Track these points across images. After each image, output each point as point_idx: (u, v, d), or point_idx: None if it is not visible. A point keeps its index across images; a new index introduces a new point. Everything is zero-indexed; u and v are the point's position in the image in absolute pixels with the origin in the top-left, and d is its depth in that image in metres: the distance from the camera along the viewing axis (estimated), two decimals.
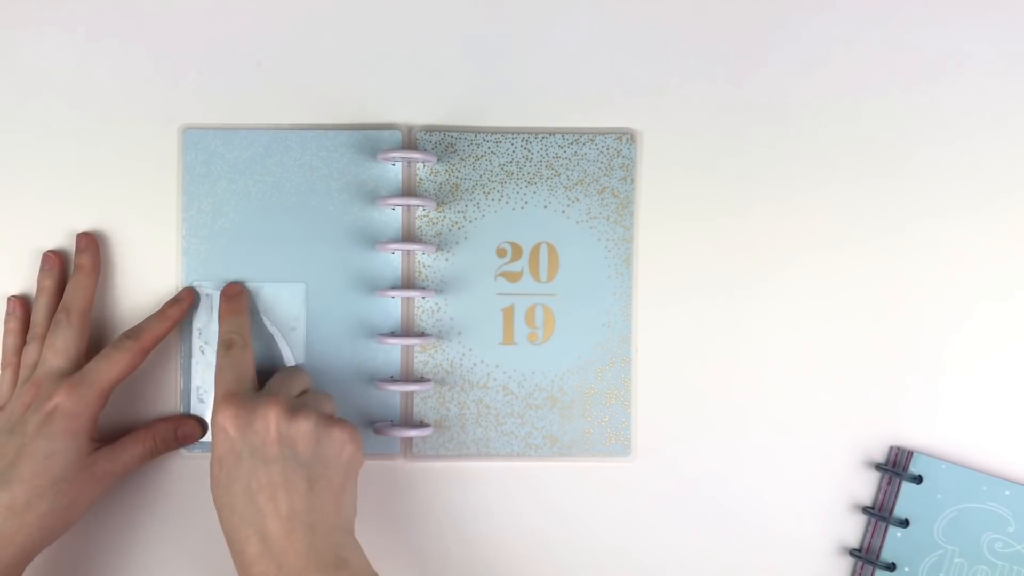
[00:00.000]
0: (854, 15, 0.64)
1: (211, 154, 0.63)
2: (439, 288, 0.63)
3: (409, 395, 0.63)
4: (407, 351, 0.63)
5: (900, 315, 0.64)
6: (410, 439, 0.63)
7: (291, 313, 0.63)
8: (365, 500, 0.63)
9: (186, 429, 0.62)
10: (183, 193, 0.63)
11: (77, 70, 0.63)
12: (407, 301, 0.63)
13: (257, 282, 0.63)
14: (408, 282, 0.63)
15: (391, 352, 0.63)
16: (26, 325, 0.62)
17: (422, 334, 0.63)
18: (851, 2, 0.64)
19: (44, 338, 0.60)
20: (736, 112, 0.64)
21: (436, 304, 0.63)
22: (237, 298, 0.61)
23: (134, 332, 0.60)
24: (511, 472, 0.64)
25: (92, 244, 0.62)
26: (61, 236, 0.63)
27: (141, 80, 0.63)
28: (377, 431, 0.62)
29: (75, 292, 0.60)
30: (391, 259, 0.63)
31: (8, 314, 0.62)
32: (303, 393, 0.58)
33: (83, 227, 0.63)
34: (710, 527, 0.64)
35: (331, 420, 0.56)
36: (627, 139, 0.64)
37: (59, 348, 0.59)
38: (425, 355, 0.63)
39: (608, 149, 0.64)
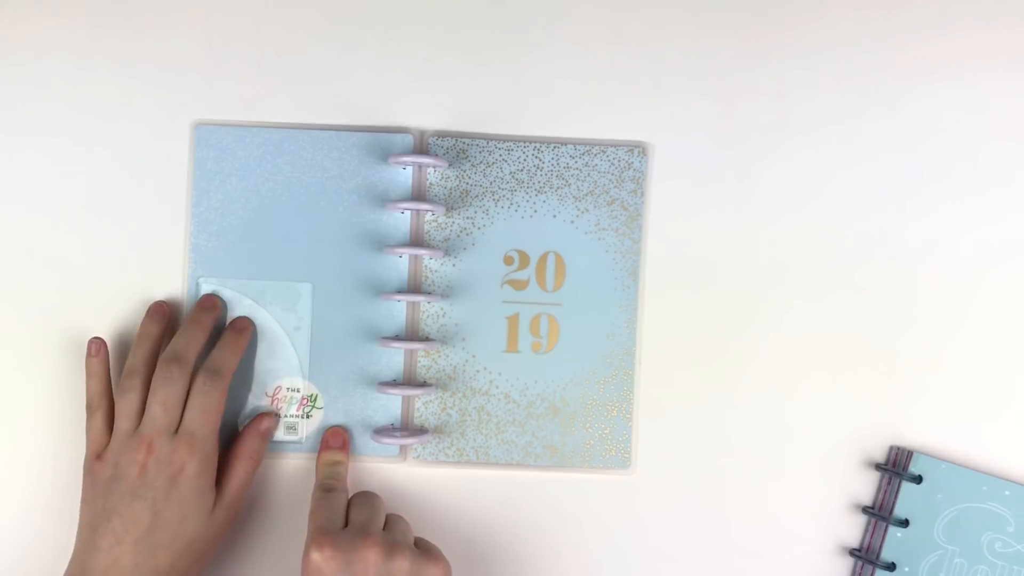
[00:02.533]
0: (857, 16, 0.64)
1: (222, 151, 0.63)
2: (445, 293, 0.63)
3: (410, 399, 0.63)
4: (410, 355, 0.63)
5: (900, 315, 0.64)
6: (410, 443, 0.63)
7: (296, 313, 0.63)
8: None
9: (266, 426, 0.61)
10: (193, 189, 0.63)
11: (87, 62, 0.63)
12: (412, 305, 0.63)
13: (264, 280, 0.63)
14: (414, 286, 0.63)
15: (394, 356, 0.63)
16: (108, 366, 0.60)
17: (426, 339, 0.63)
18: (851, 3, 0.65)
19: (145, 387, 0.58)
20: (747, 127, 0.64)
21: (441, 309, 0.63)
22: (342, 444, 0.62)
23: (215, 369, 0.59)
24: (510, 480, 0.64)
25: (218, 306, 0.62)
26: (65, 234, 0.63)
27: (154, 75, 0.63)
28: (377, 435, 0.62)
29: (188, 344, 0.59)
30: (398, 263, 0.63)
31: (92, 356, 0.60)
32: (386, 523, 0.57)
33: (84, 225, 0.63)
34: (709, 536, 0.64)
35: (426, 556, 0.55)
36: (638, 152, 0.64)
37: (171, 404, 0.57)
38: (428, 360, 0.63)
39: (619, 161, 0.64)
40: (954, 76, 0.65)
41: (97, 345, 0.60)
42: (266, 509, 0.63)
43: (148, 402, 0.58)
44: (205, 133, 0.63)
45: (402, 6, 0.64)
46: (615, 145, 0.64)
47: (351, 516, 0.57)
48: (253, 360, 0.62)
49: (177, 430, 0.57)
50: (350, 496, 0.60)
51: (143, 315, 0.61)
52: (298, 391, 0.63)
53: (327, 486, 0.59)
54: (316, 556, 0.53)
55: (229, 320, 0.62)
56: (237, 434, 0.61)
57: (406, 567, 0.54)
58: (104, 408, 0.59)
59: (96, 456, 0.58)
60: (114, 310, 0.63)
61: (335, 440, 0.62)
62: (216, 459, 0.58)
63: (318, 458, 0.62)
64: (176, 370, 0.58)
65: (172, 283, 0.63)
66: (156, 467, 0.56)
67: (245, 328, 0.62)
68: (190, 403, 0.58)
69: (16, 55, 0.63)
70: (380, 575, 0.53)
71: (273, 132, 0.63)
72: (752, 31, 0.64)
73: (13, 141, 0.63)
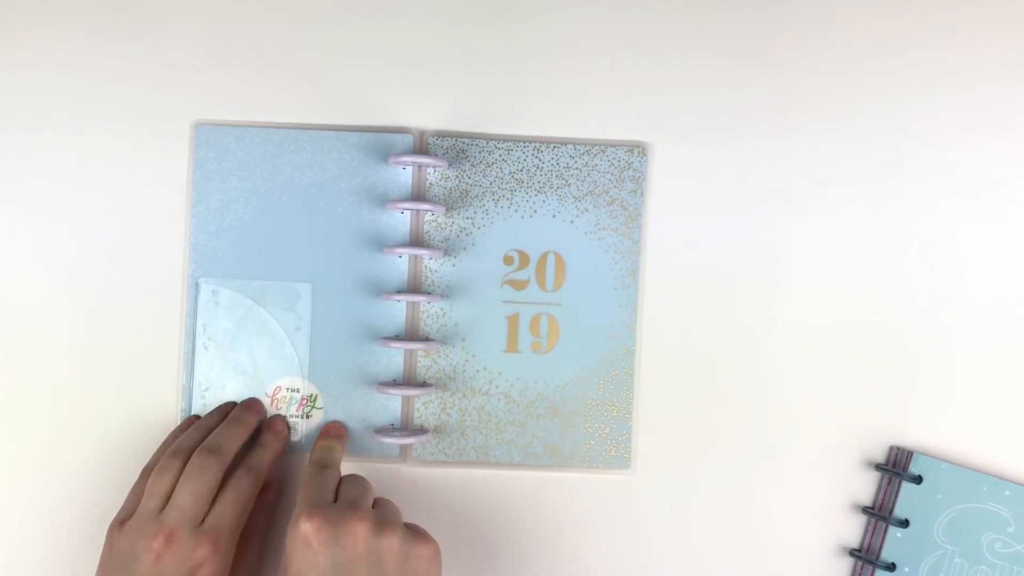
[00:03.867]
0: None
1: (222, 150, 0.63)
2: (445, 293, 0.63)
3: (410, 400, 0.63)
4: (410, 355, 0.63)
5: (900, 315, 0.64)
6: (410, 443, 0.63)
7: (296, 313, 0.63)
8: None
9: (270, 499, 0.62)
10: (193, 189, 0.63)
11: (87, 62, 0.63)
12: (412, 305, 0.63)
13: (263, 280, 0.63)
14: (414, 286, 0.63)
15: (394, 356, 0.63)
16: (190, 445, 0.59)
17: (426, 339, 0.63)
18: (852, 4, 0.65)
19: (181, 472, 0.56)
20: (747, 127, 0.64)
21: (441, 309, 0.63)
22: (339, 434, 0.62)
23: (255, 466, 0.58)
24: (510, 480, 0.64)
25: (285, 432, 0.62)
26: (67, 231, 0.63)
27: (154, 75, 0.63)
28: (377, 435, 0.62)
29: (235, 438, 0.59)
30: (398, 263, 0.63)
31: (180, 431, 0.61)
32: (375, 503, 0.56)
33: (90, 221, 0.63)
34: (709, 536, 0.64)
35: (416, 535, 0.54)
36: (638, 152, 0.64)
37: (201, 496, 0.55)
38: (428, 360, 0.63)
39: (619, 161, 0.64)
40: (954, 76, 0.65)
41: (189, 422, 0.61)
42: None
43: (177, 489, 0.56)
44: (205, 133, 0.63)
45: (402, 6, 0.64)
46: (615, 145, 0.64)
47: (341, 493, 0.55)
48: (254, 360, 0.63)
49: (203, 522, 0.55)
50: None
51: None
52: (298, 391, 0.63)
53: (322, 462, 0.58)
54: (306, 526, 0.52)
55: (268, 420, 0.62)
56: None
57: (395, 544, 0.53)
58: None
59: (120, 522, 0.56)
60: (114, 310, 0.63)
61: (333, 430, 0.62)
62: (232, 555, 0.57)
63: (314, 444, 0.61)
64: (214, 463, 0.56)
65: (172, 283, 0.63)
66: (174, 560, 0.54)
67: (282, 432, 0.62)
68: (223, 496, 0.56)
69: (16, 55, 0.63)
70: (369, 550, 0.52)
71: (273, 132, 0.63)
72: (752, 31, 0.64)
73: (13, 141, 0.63)
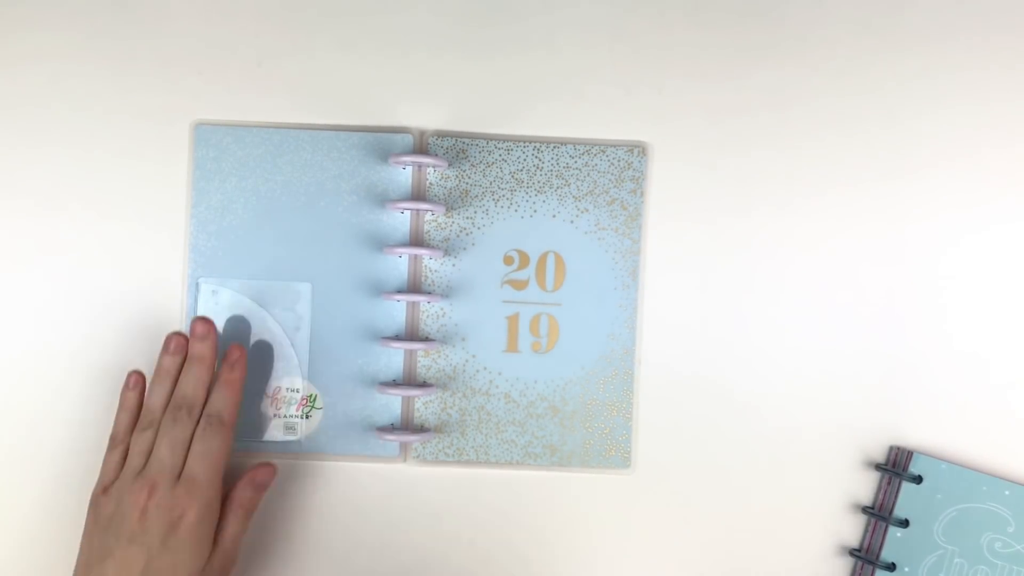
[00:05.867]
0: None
1: (222, 151, 0.63)
2: (445, 293, 0.63)
3: (410, 400, 0.63)
4: (410, 355, 0.63)
5: (900, 315, 0.64)
6: (410, 443, 0.63)
7: (296, 313, 0.63)
8: (365, 502, 0.63)
9: (261, 478, 0.60)
10: (192, 189, 0.63)
11: (86, 62, 0.63)
12: (412, 305, 0.63)
13: (263, 280, 0.63)
14: (414, 286, 0.63)
15: (394, 356, 0.63)
16: (142, 402, 0.60)
17: (426, 339, 0.63)
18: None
19: (159, 426, 0.58)
20: (747, 127, 0.64)
21: (441, 309, 0.63)
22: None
23: (215, 414, 0.58)
24: (510, 480, 0.64)
25: (212, 332, 0.60)
26: (67, 231, 0.63)
27: (154, 75, 0.63)
28: (378, 434, 0.62)
29: (198, 385, 0.58)
30: (398, 263, 0.63)
31: (129, 390, 0.60)
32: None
33: (90, 220, 0.63)
34: (709, 536, 0.64)
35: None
36: (638, 151, 0.64)
37: (178, 446, 0.57)
38: (428, 360, 0.63)
39: (619, 161, 0.64)
40: (954, 76, 0.64)
41: (136, 379, 0.60)
42: (263, 510, 0.62)
43: (156, 443, 0.57)
44: (205, 133, 0.63)
45: (401, 6, 0.64)
46: (615, 145, 0.64)
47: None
48: (254, 360, 0.63)
49: (180, 476, 0.56)
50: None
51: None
52: (298, 391, 0.63)
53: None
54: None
55: (225, 353, 0.60)
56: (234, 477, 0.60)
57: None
58: (125, 445, 0.59)
59: (103, 490, 0.57)
60: (114, 310, 0.63)
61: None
62: (218, 506, 0.57)
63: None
64: (184, 413, 0.57)
65: (171, 283, 0.63)
66: (156, 512, 0.55)
67: (237, 361, 0.60)
68: (192, 448, 0.57)
69: (16, 55, 0.63)
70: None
71: (273, 132, 0.63)
72: (752, 31, 0.64)
73: (13, 140, 0.63)
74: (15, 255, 0.63)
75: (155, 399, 0.59)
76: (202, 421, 0.58)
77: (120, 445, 0.59)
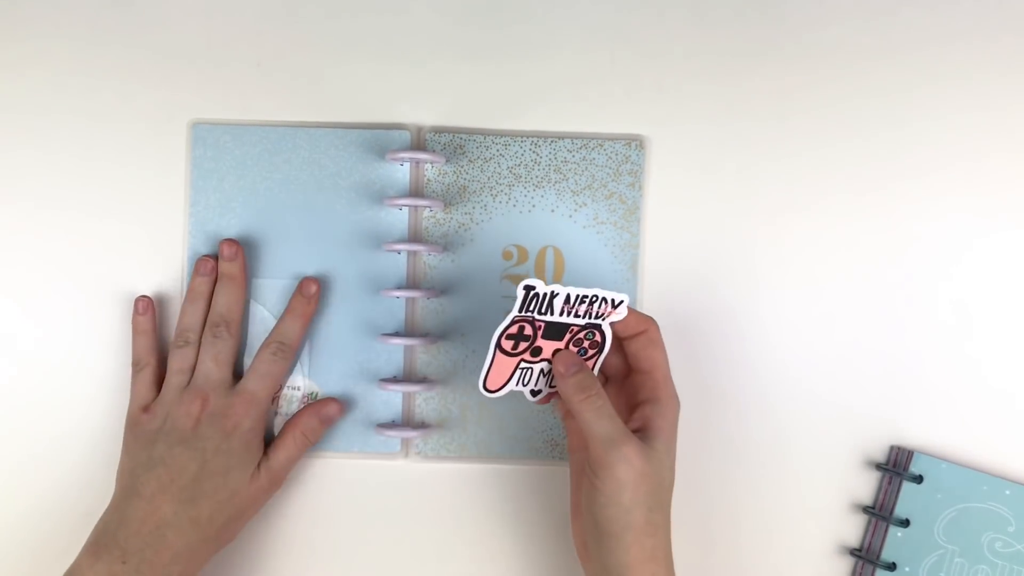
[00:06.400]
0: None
1: (220, 149, 0.63)
2: (444, 289, 0.63)
3: (411, 395, 0.63)
4: (410, 351, 0.63)
5: (900, 315, 0.64)
6: (411, 439, 0.63)
7: None
8: (366, 499, 0.63)
9: (328, 412, 0.61)
10: (191, 187, 0.63)
11: (85, 62, 0.63)
12: (412, 301, 0.63)
13: (262, 279, 0.63)
14: (413, 282, 0.63)
15: (394, 352, 0.63)
16: (156, 324, 0.62)
17: (426, 335, 0.63)
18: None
19: (199, 344, 0.60)
20: (746, 122, 0.64)
21: (441, 305, 0.63)
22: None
23: (282, 340, 0.60)
24: (512, 475, 0.64)
25: (240, 253, 0.61)
26: (66, 231, 0.63)
27: (151, 74, 0.63)
28: (379, 430, 0.62)
29: (232, 303, 0.61)
30: (397, 259, 0.63)
31: (140, 315, 0.61)
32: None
33: (89, 220, 0.63)
34: (710, 536, 0.64)
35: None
36: (636, 145, 0.63)
37: (223, 360, 0.60)
38: (428, 356, 0.63)
39: (617, 155, 0.63)
40: (954, 76, 0.64)
41: (145, 303, 0.62)
42: (265, 507, 0.63)
43: (200, 359, 0.60)
44: (202, 132, 0.63)
45: (398, 3, 0.64)
46: (613, 139, 0.64)
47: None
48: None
49: (234, 388, 0.59)
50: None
51: (191, 272, 0.62)
52: (299, 389, 0.63)
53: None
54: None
55: (299, 284, 0.62)
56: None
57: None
58: (152, 365, 0.61)
59: (143, 409, 0.59)
60: (113, 309, 0.63)
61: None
62: (265, 426, 0.60)
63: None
64: (223, 330, 0.60)
65: (171, 282, 0.63)
66: (211, 420, 0.58)
67: (313, 296, 0.62)
68: (254, 367, 0.60)
69: (16, 55, 0.63)
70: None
71: (270, 130, 0.63)
72: (752, 30, 0.64)
73: (12, 140, 0.63)
74: (15, 255, 0.63)
75: (190, 319, 0.61)
76: (272, 346, 0.60)
77: (146, 367, 0.61)
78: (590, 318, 0.54)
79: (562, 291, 0.52)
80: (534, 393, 0.57)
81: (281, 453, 0.60)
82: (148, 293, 0.63)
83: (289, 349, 0.60)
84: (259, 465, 0.59)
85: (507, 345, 0.54)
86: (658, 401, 0.55)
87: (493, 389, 0.55)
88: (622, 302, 0.54)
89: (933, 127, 0.64)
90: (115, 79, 0.63)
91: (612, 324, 0.55)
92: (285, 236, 0.63)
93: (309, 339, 0.63)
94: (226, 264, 0.61)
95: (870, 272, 0.64)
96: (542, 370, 0.56)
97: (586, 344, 0.55)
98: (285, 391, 0.63)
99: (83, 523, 0.58)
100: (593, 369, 0.56)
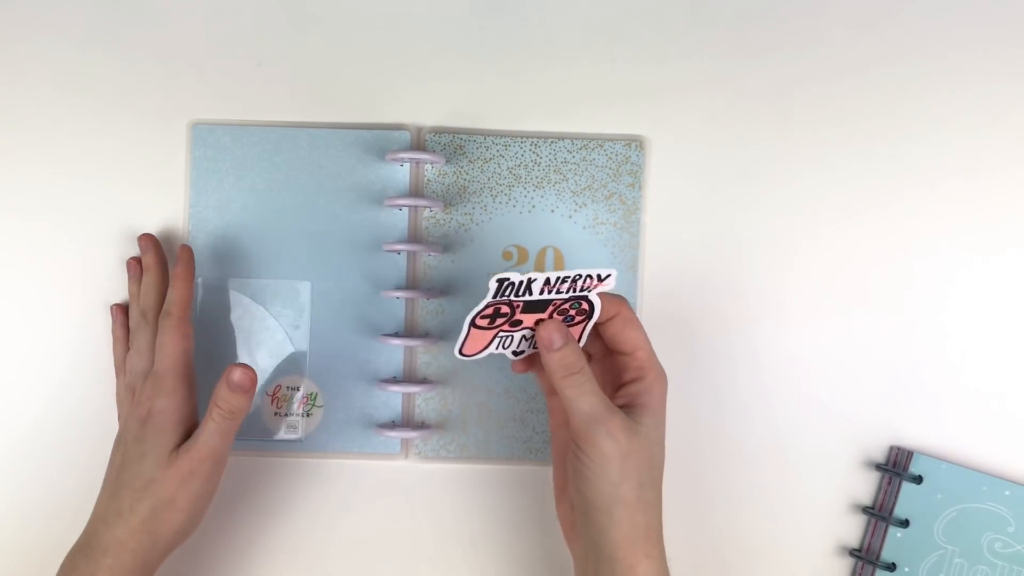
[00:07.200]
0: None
1: (219, 150, 0.63)
2: (444, 290, 0.63)
3: (411, 396, 0.63)
4: (410, 352, 0.63)
5: (900, 316, 0.64)
6: (411, 440, 0.63)
7: (295, 311, 0.63)
8: (366, 499, 0.63)
9: (233, 376, 0.55)
10: (191, 188, 0.63)
11: (84, 62, 0.63)
12: (411, 302, 0.63)
13: (262, 279, 0.63)
14: (413, 283, 0.63)
15: (394, 352, 0.63)
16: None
17: (426, 335, 0.63)
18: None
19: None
20: (746, 122, 0.64)
21: (440, 306, 0.63)
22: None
23: (165, 310, 0.59)
24: (512, 475, 0.64)
25: (153, 244, 0.62)
26: (65, 231, 0.63)
27: (151, 74, 0.63)
28: (379, 431, 0.62)
29: (146, 293, 0.61)
30: (397, 259, 0.63)
31: (113, 322, 0.62)
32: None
33: (89, 220, 0.63)
34: (710, 536, 0.64)
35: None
36: (636, 145, 0.63)
37: (142, 350, 0.60)
38: (428, 356, 0.63)
39: (617, 155, 0.63)
40: (954, 76, 0.64)
41: (116, 311, 0.63)
42: (266, 508, 0.63)
43: (128, 355, 0.61)
44: (202, 132, 0.63)
45: (399, 4, 0.64)
46: (613, 139, 0.63)
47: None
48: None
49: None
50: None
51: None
52: (298, 389, 0.63)
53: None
54: None
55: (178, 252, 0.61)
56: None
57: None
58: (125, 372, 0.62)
59: (119, 416, 0.62)
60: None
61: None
62: (186, 400, 0.57)
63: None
64: (142, 321, 0.60)
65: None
66: (132, 412, 0.58)
67: (181, 256, 0.60)
68: (156, 346, 0.59)
69: (16, 55, 0.63)
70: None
71: (270, 131, 0.63)
72: (752, 30, 0.64)
73: (12, 140, 0.63)
74: (14, 255, 0.63)
75: (131, 321, 0.62)
76: (161, 322, 0.59)
77: (122, 373, 0.62)
78: (575, 292, 0.52)
79: (540, 276, 0.50)
80: (516, 354, 0.55)
81: (200, 432, 0.56)
82: None
83: (172, 315, 0.58)
84: (177, 448, 0.56)
85: (482, 323, 0.52)
86: (644, 379, 0.54)
87: (469, 354, 0.54)
88: (609, 275, 0.52)
89: (933, 128, 0.64)
90: (115, 79, 0.63)
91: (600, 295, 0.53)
92: (285, 236, 0.63)
93: (309, 339, 0.63)
94: (144, 256, 0.61)
95: (870, 272, 0.64)
96: (524, 335, 0.54)
97: (572, 312, 0.53)
98: (285, 392, 0.63)
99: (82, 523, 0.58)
100: (581, 337, 0.55)
